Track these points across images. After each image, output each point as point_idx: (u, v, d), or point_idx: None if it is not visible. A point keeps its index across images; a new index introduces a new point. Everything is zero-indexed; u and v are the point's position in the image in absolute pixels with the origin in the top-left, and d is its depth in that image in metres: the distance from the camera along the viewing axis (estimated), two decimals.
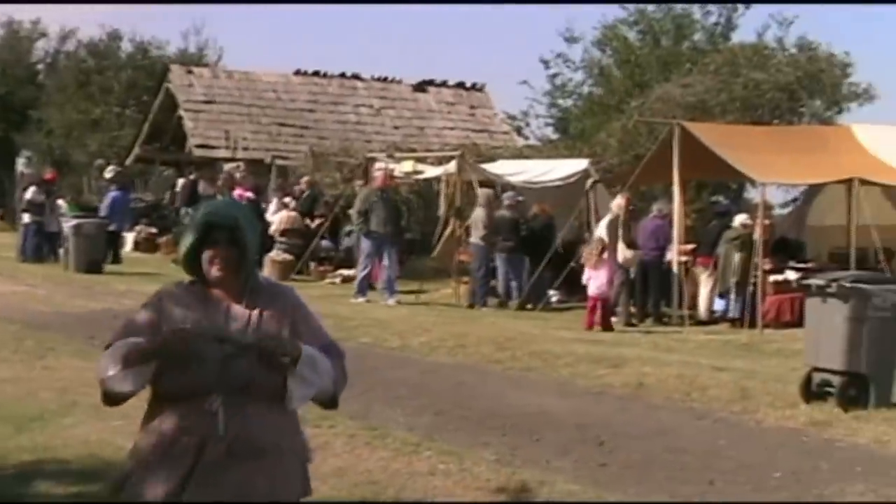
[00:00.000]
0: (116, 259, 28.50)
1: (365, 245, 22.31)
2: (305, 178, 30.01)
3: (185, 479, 4.65)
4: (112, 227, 28.32)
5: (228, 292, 4.88)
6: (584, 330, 18.99)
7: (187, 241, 4.88)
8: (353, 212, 23.02)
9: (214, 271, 4.83)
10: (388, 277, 22.16)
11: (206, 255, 4.84)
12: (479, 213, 22.22)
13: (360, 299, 21.89)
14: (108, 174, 32.68)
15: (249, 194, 28.86)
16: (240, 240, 4.84)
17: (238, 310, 4.85)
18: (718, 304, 20.93)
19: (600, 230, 20.94)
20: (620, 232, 20.44)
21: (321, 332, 5.02)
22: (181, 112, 37.28)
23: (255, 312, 4.85)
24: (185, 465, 4.65)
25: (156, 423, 4.80)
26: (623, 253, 20.31)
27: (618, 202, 20.87)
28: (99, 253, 26.69)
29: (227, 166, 34.62)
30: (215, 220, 4.85)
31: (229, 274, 4.85)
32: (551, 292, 22.59)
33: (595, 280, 19.32)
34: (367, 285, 22.29)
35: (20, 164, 55.30)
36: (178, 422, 4.70)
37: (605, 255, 19.49)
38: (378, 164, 24.72)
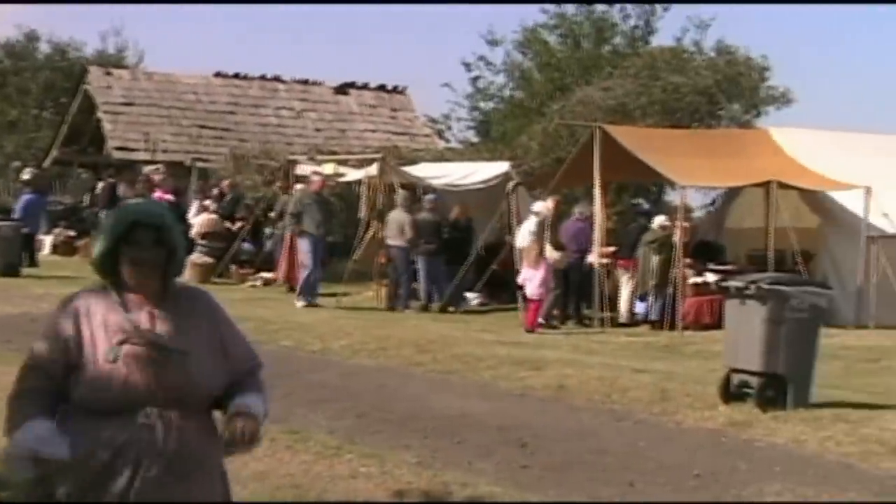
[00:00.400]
0: (33, 262, 28.13)
1: (304, 245, 22.18)
2: (227, 181, 29.84)
3: (122, 497, 4.39)
4: (26, 230, 27.93)
5: (147, 297, 4.58)
6: (525, 331, 19.15)
7: (106, 239, 4.57)
8: (287, 213, 23.01)
9: (136, 274, 4.53)
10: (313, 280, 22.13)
11: (128, 255, 4.52)
12: (398, 216, 22.17)
13: (301, 303, 21.63)
14: (24, 176, 32.27)
15: (169, 197, 28.64)
16: (167, 240, 4.56)
17: (161, 316, 4.56)
18: (639, 307, 21.07)
19: (522, 233, 21.03)
20: (547, 234, 20.52)
21: (245, 343, 4.81)
22: (100, 114, 36.92)
23: (182, 320, 4.58)
24: (122, 483, 4.39)
25: (83, 437, 4.43)
26: (551, 254, 20.38)
27: (547, 205, 20.95)
28: (16, 256, 26.32)
29: (147, 169, 34.34)
30: (140, 217, 4.54)
31: (152, 277, 4.56)
32: (472, 295, 22.65)
33: (532, 281, 19.46)
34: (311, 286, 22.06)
35: None
36: (111, 436, 4.40)
37: (543, 255, 19.66)
38: (314, 169, 24.67)
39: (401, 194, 22.68)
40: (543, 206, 20.97)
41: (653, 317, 20.40)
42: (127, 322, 4.51)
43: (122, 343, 4.47)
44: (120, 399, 4.39)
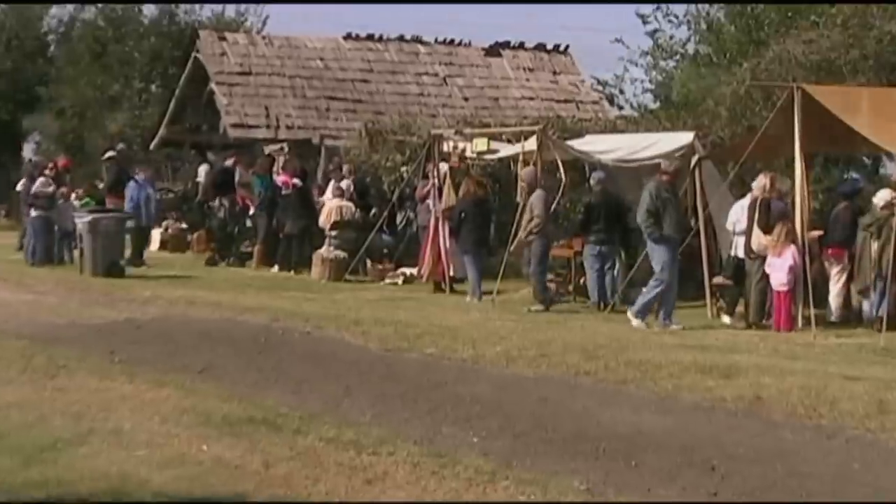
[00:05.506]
0: (136, 260, 28.72)
1: (661, 253, 20.44)
2: (346, 165, 30.14)
3: None
4: (132, 223, 28.59)
5: None
6: (774, 331, 19.41)
7: None
8: (639, 213, 20.83)
9: None
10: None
11: None
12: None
13: (638, 323, 20.15)
14: (107, 154, 32.98)
15: (296, 181, 29.02)
16: None
17: None
18: (865, 306, 20.68)
19: (733, 214, 21.01)
20: (757, 216, 20.36)
21: None
22: (213, 86, 37.50)
23: None
24: None
25: None
26: (758, 239, 20.22)
27: (760, 182, 20.80)
28: (120, 253, 26.84)
29: (269, 148, 34.81)
30: None
31: None
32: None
33: (778, 271, 19.45)
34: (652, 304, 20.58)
35: (27, 151, 55.75)
36: None
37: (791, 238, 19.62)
38: (664, 161, 22.11)
39: (525, 172, 22.78)
40: (756, 184, 20.83)
41: (876, 315, 20.00)
42: None
43: None
44: None
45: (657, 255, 20.49)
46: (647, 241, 20.62)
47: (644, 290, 20.67)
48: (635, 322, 20.08)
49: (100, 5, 54.17)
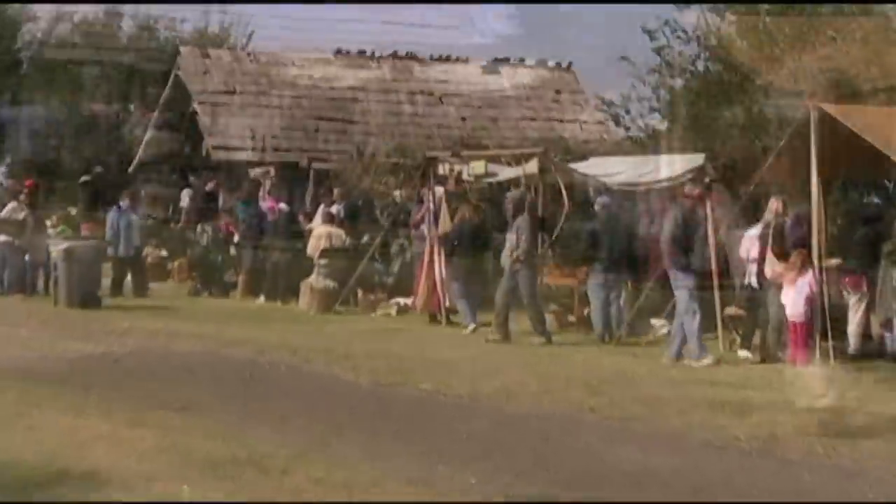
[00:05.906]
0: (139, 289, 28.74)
1: (685, 279, 20.26)
2: (336, 190, 30.13)
3: None
4: (112, 251, 28.51)
5: None
6: (790, 365, 19.13)
7: None
8: (663, 238, 20.67)
9: None
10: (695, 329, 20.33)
11: None
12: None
13: (707, 360, 19.70)
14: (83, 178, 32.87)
15: (283, 206, 29.02)
16: None
17: None
18: (887, 339, 20.63)
19: (747, 241, 20.96)
20: (770, 241, 20.31)
21: None
22: (195, 106, 37.45)
23: None
24: None
25: None
26: (772, 266, 20.17)
27: (772, 206, 20.73)
28: (96, 283, 26.76)
29: (254, 172, 34.76)
30: None
31: None
32: (659, 322, 22.54)
33: (794, 301, 19.36)
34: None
35: None
36: None
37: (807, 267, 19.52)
38: (689, 184, 22.21)
39: (511, 195, 22.79)
40: (769, 209, 20.78)
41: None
42: None
43: None
44: None
45: (683, 283, 20.28)
46: (670, 268, 20.47)
47: (683, 332, 20.27)
48: (705, 362, 19.62)
49: (76, 20, 54.12)
